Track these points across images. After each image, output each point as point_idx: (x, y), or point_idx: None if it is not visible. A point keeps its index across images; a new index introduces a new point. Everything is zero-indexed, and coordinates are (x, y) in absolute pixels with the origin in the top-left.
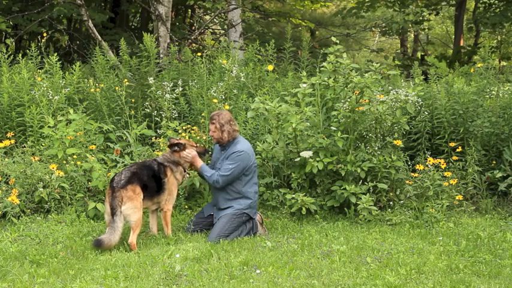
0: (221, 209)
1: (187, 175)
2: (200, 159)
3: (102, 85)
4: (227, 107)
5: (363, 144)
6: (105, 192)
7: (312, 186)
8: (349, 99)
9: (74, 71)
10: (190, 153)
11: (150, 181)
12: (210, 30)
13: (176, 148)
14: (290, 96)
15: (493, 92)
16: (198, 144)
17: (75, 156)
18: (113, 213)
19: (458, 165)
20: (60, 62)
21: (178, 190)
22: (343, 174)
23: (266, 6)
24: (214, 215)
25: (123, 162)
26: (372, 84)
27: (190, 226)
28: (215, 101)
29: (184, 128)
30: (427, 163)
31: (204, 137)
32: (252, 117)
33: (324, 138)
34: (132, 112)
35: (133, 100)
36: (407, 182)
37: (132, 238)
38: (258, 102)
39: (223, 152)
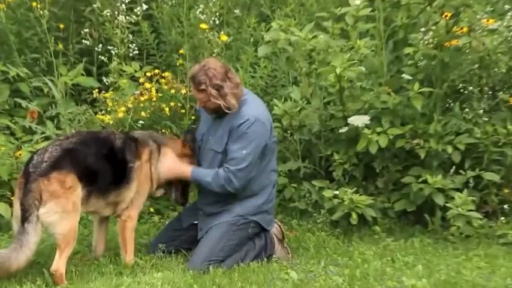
0: (212, 215)
1: (161, 191)
2: (186, 165)
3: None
4: (224, 38)
5: (457, 104)
6: (14, 183)
7: (368, 176)
8: (434, 27)
9: None
10: (165, 163)
11: (102, 164)
12: None
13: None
14: (332, 21)
15: None
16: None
17: None
18: (25, 218)
19: None
20: None
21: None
22: (422, 157)
23: None
24: (200, 224)
25: (43, 134)
26: (474, 0)
27: (157, 244)
28: (205, 27)
29: (148, 74)
30: None
31: (183, 91)
32: (266, 57)
33: (390, 94)
34: (60, 46)
35: (61, 26)
36: None
37: (59, 264)
38: (276, 29)
39: (220, 119)
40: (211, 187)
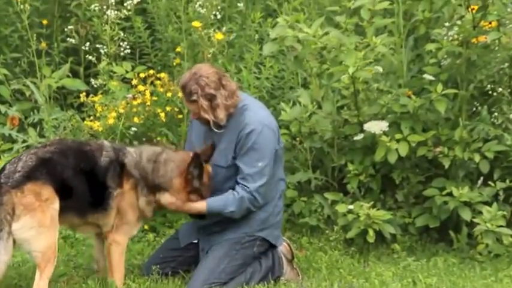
0: (213, 233)
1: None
2: (199, 198)
3: None
4: (220, 37)
5: (485, 108)
6: None
7: (386, 188)
8: (459, 22)
9: None
10: (174, 204)
11: (79, 181)
12: None
13: (193, 171)
14: (345, 16)
15: None
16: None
17: None
18: None
19: None
20: None
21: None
22: (446, 167)
23: None
24: (202, 244)
25: (25, 142)
26: None
27: (152, 265)
28: (198, 25)
29: (142, 75)
30: None
31: (181, 95)
32: (273, 56)
33: (410, 97)
34: (43, 45)
35: (45, 22)
36: None
37: (39, 285)
38: (283, 25)
39: (218, 130)
40: (235, 216)
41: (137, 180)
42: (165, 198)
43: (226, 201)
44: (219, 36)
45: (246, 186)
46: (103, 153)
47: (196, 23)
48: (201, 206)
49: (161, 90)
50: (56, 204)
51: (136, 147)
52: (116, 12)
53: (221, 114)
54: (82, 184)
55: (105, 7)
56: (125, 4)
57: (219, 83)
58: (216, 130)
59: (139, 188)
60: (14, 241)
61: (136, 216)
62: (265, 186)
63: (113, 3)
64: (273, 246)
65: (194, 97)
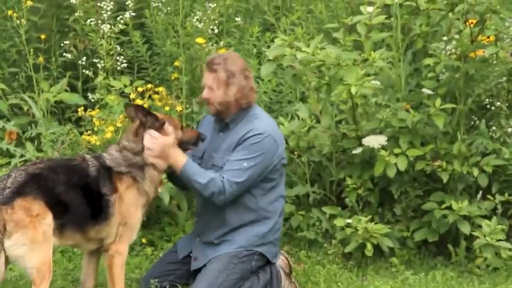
0: (211, 244)
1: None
2: (182, 152)
3: None
4: (223, 52)
5: (483, 122)
6: None
7: (384, 202)
8: (457, 36)
9: None
10: (158, 139)
11: (74, 196)
12: None
13: (152, 122)
14: (343, 32)
15: None
16: (182, 124)
17: None
18: None
19: None
20: None
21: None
22: (445, 180)
23: None
24: (195, 253)
25: (22, 157)
26: (501, 5)
27: (150, 279)
28: (201, 41)
29: (139, 90)
30: None
31: (179, 108)
32: (271, 72)
33: (408, 111)
34: (41, 59)
35: (43, 36)
36: None
37: None
38: (281, 44)
39: (224, 133)
40: (200, 190)
41: (128, 172)
42: (149, 135)
43: (202, 173)
44: (223, 51)
45: (223, 174)
46: (89, 163)
47: (200, 40)
48: (181, 158)
49: (159, 104)
50: (48, 219)
51: (105, 151)
52: (109, 27)
53: (231, 97)
54: (78, 198)
55: (101, 23)
56: (118, 18)
57: (243, 69)
58: (225, 117)
59: (136, 177)
60: (7, 257)
61: (139, 219)
62: (239, 186)
63: (106, 18)
64: (270, 262)
65: (215, 67)
